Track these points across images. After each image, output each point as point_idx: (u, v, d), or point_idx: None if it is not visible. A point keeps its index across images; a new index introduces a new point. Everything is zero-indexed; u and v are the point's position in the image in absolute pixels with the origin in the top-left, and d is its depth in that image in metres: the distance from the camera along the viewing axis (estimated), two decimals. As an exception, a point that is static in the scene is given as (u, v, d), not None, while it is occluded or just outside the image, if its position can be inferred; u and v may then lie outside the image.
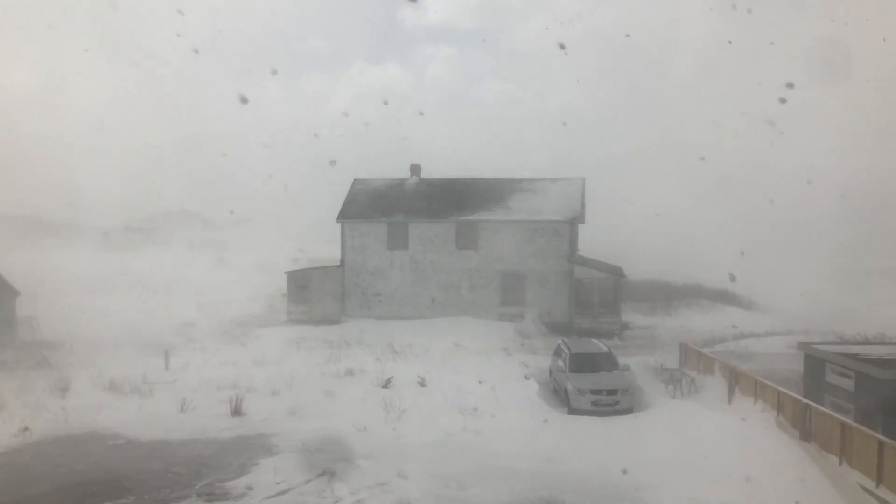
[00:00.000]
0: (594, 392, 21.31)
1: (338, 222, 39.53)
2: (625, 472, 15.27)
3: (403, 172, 42.67)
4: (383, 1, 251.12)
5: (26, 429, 18.08)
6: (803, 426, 17.02)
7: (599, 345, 25.07)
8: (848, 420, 15.99)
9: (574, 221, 38.00)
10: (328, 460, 15.79)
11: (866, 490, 13.97)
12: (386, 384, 23.05)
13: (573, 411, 21.21)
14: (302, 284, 39.17)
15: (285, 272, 40.26)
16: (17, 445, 17.25)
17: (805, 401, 17.73)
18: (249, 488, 14.15)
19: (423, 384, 23.13)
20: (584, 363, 22.82)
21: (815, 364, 22.47)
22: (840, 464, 15.24)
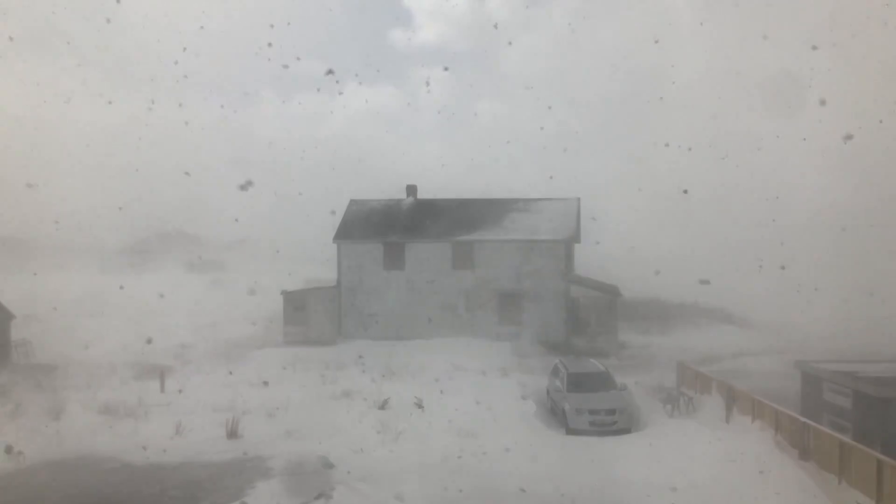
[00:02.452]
0: (592, 412, 21.23)
1: (334, 243, 39.56)
2: (624, 492, 15.19)
3: (399, 193, 42.80)
4: (374, 21, 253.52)
5: (20, 453, 17.91)
6: (802, 445, 16.98)
7: (597, 364, 25.02)
8: (846, 439, 15.95)
9: (570, 241, 38.10)
10: (325, 483, 15.69)
11: (866, 509, 13.91)
12: (383, 405, 22.93)
13: (571, 431, 21.12)
14: (298, 305, 39.10)
15: (281, 293, 40.19)
16: (9, 470, 17.09)
17: (803, 419, 17.69)
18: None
19: (419, 405, 23.02)
20: (581, 383, 22.76)
21: (812, 382, 22.49)
22: (839, 483, 15.17)
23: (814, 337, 39.10)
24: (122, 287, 44.99)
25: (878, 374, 20.00)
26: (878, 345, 32.51)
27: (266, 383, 27.41)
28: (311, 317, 38.85)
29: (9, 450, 17.76)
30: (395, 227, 40.06)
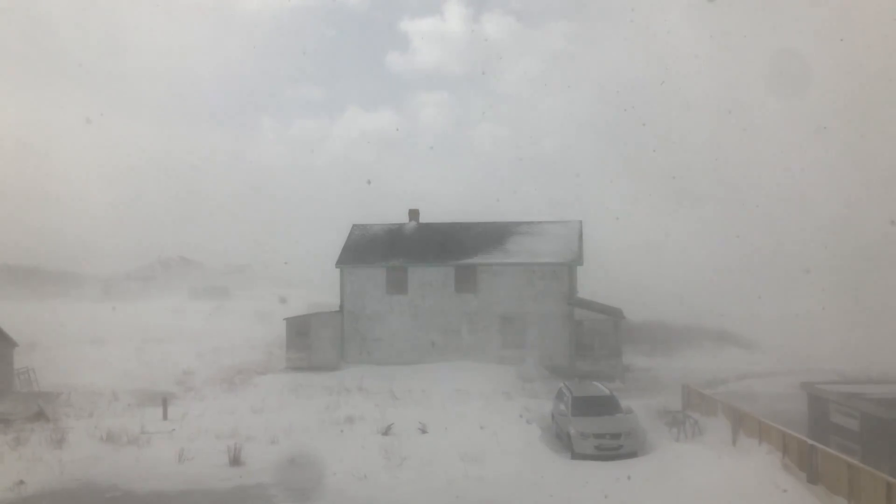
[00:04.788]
0: (597, 436, 21.05)
1: (337, 268, 39.57)
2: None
3: (402, 217, 42.89)
4: (371, 46, 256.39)
5: (21, 482, 17.78)
6: (810, 468, 16.80)
7: (601, 388, 24.85)
8: (855, 461, 15.79)
9: (572, 264, 38.06)
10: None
11: (877, 533, 13.72)
12: (386, 431, 22.78)
13: (577, 456, 20.93)
14: (301, 331, 38.99)
15: (284, 318, 40.12)
16: (11, 500, 16.95)
17: (811, 442, 17.53)
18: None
19: (423, 430, 22.87)
20: (586, 407, 22.58)
21: (819, 404, 22.34)
22: (849, 506, 14.99)
23: (820, 359, 38.85)
24: (124, 314, 45.02)
25: (885, 396, 19.87)
26: (886, 366, 32.29)
27: (268, 409, 27.25)
28: (314, 342, 38.73)
29: (19, 484, 17.64)
30: (397, 251, 40.07)
